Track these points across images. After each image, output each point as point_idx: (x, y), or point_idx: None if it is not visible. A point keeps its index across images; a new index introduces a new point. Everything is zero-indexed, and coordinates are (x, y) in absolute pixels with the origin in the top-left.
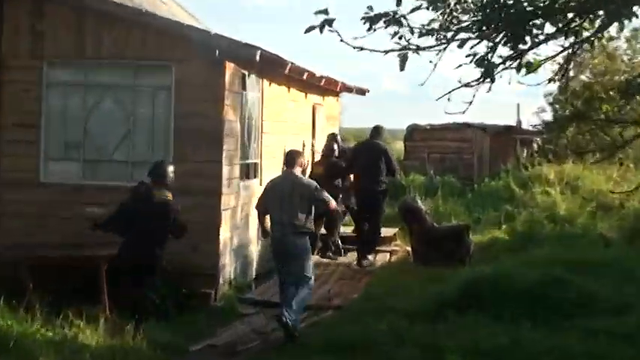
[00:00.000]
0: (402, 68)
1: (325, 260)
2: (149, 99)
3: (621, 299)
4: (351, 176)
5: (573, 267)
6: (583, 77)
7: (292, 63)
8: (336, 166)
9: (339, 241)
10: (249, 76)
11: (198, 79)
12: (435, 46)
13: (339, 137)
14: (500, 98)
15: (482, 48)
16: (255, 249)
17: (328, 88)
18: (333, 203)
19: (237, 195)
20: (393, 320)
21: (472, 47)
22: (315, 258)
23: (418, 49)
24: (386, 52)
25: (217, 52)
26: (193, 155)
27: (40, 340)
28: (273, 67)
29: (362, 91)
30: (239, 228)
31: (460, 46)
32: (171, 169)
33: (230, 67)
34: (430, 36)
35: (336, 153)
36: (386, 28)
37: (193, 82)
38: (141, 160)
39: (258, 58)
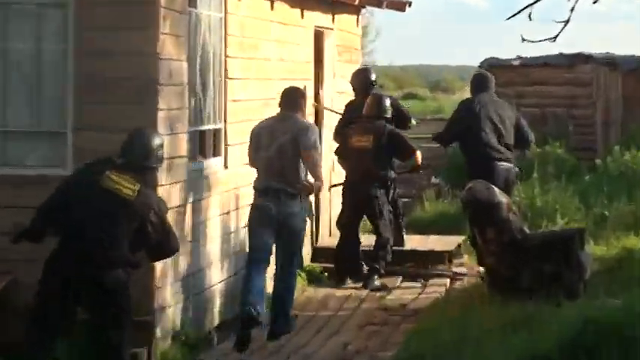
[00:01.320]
0: None
1: (348, 292)
2: (31, 26)
3: None
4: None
5: None
6: None
7: None
8: (397, 138)
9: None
10: None
11: None
12: None
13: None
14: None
15: None
16: (217, 277)
17: (340, 0)
18: (318, 173)
19: (184, 185)
20: None
21: None
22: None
23: None
24: None
25: None
26: (109, 119)
27: None
28: None
29: (400, 5)
30: (190, 242)
31: None
32: (157, 142)
33: None
34: None
35: (389, 113)
36: None
37: None
38: (20, 129)
39: None
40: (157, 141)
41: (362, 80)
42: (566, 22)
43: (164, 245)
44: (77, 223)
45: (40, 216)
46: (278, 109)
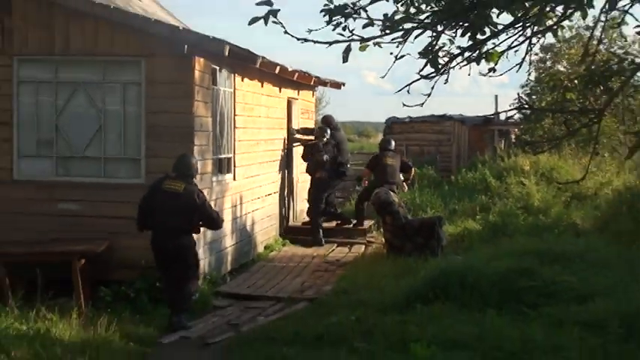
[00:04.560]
0: (344, 60)
1: (307, 252)
2: (120, 95)
3: (587, 288)
4: None
5: (543, 257)
6: (560, 67)
7: (263, 57)
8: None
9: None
10: (220, 71)
11: (168, 75)
12: (379, 36)
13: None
14: (479, 90)
15: (443, 39)
16: (229, 243)
17: (303, 82)
18: None
19: (210, 190)
20: (362, 312)
21: (431, 39)
22: (292, 248)
23: (363, 40)
24: (330, 43)
25: (186, 46)
26: (165, 151)
27: (12, 335)
28: (244, 62)
29: (337, 85)
30: None
31: (405, 36)
32: (193, 161)
33: (200, 62)
34: (387, 29)
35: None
36: (345, 20)
37: (163, 77)
38: (113, 156)
39: (227, 52)
40: (193, 160)
41: (325, 122)
42: (428, 95)
43: (215, 220)
44: (159, 215)
45: (139, 217)
46: (263, 148)
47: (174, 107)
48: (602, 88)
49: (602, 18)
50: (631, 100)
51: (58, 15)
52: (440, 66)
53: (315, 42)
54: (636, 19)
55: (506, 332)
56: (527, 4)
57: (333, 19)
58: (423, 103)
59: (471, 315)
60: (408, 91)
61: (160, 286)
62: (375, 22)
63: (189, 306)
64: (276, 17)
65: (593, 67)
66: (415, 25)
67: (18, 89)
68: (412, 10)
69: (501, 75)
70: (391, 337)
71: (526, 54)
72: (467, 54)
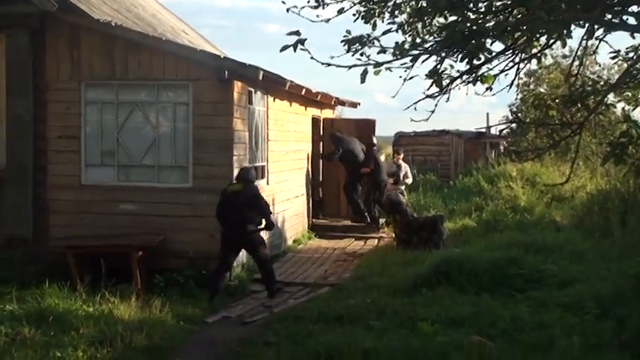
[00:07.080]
0: (362, 81)
1: (330, 244)
2: (171, 113)
3: (567, 275)
4: None
5: (529, 249)
6: (541, 89)
7: (292, 81)
8: None
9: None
10: (255, 92)
11: (211, 96)
12: (391, 61)
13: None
14: (473, 108)
15: (444, 65)
16: (264, 237)
17: (324, 102)
18: None
19: None
20: (376, 295)
21: (435, 63)
22: (317, 242)
23: (377, 64)
24: (349, 67)
25: (226, 72)
26: (209, 160)
27: (80, 315)
28: (275, 85)
29: (354, 105)
30: None
31: (413, 61)
32: (252, 171)
33: (238, 85)
34: (397, 55)
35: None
36: (362, 48)
37: (207, 98)
38: (165, 164)
39: (261, 77)
40: (252, 170)
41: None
42: (432, 112)
43: (261, 211)
44: (227, 212)
45: (218, 215)
46: (292, 158)
47: (217, 123)
48: (579, 106)
49: (583, 44)
50: (601, 116)
51: (118, 46)
52: (442, 87)
53: (337, 66)
54: (610, 46)
55: (499, 312)
56: (515, 35)
57: (352, 47)
58: (428, 119)
59: (468, 297)
60: (415, 108)
61: (205, 273)
62: (387, 49)
63: (274, 279)
64: (303, 45)
65: (572, 88)
66: (421, 51)
67: (85, 109)
68: (418, 39)
69: (494, 95)
70: (401, 316)
71: (515, 77)
72: (465, 77)
